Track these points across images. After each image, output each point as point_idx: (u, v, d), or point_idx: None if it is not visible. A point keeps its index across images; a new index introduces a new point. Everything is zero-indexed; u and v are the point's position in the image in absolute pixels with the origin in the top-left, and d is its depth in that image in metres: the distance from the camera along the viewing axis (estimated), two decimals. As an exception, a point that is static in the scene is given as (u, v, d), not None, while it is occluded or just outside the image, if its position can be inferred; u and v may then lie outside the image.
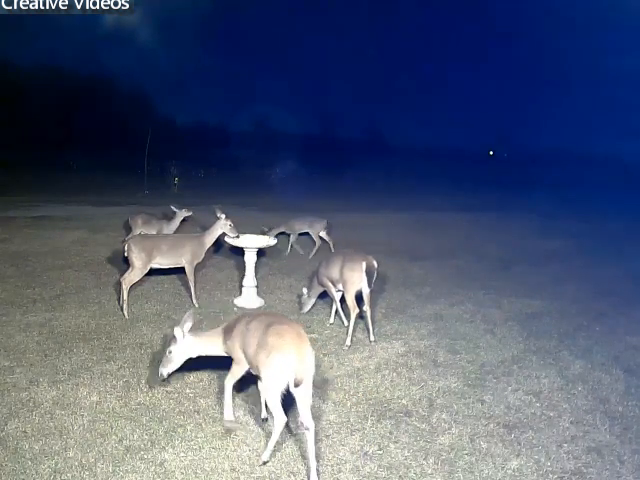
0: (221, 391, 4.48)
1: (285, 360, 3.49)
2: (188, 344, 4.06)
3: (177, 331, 4.01)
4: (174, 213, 8.41)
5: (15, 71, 34.50)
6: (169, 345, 4.07)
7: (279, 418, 3.59)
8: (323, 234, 9.11)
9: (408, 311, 6.72)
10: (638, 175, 30.74)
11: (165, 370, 4.07)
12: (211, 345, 4.12)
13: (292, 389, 3.52)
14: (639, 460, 3.86)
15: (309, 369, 3.53)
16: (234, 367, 4.00)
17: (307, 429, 3.51)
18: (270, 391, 3.58)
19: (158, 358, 5.02)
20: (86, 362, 4.95)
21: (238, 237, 6.57)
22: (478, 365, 5.27)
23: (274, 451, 3.70)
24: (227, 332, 4.03)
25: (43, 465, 3.51)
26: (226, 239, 6.72)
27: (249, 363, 3.87)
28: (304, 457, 3.72)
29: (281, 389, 3.53)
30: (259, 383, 4.02)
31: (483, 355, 5.51)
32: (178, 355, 4.07)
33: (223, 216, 6.46)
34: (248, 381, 4.74)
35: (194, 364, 4.89)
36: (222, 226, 6.49)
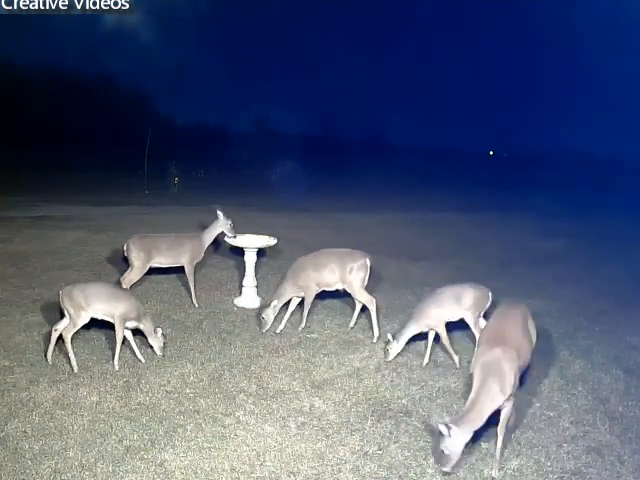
0: (222, 392, 4.49)
1: None
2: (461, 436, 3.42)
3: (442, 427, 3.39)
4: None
5: (15, 71, 34.47)
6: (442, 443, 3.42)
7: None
8: None
9: (408, 311, 6.66)
10: (638, 175, 30.72)
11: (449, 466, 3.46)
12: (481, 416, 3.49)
13: None
14: (639, 460, 3.87)
15: None
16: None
17: None
18: None
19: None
20: (86, 362, 4.95)
21: (235, 237, 6.57)
22: (478, 365, 5.27)
23: (278, 449, 3.70)
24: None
25: (43, 465, 3.51)
26: (226, 239, 6.72)
27: None
28: (304, 457, 3.73)
29: None
30: None
31: (483, 355, 5.50)
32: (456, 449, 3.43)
33: (222, 215, 6.46)
34: (250, 381, 4.75)
35: (193, 365, 4.90)
36: (222, 225, 6.49)
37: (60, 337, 4.89)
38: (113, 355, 4.92)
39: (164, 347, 5.09)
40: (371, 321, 5.87)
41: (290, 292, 5.92)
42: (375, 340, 5.75)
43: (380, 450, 3.87)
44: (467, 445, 3.52)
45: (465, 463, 3.74)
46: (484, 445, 3.95)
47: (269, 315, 5.80)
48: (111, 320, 4.90)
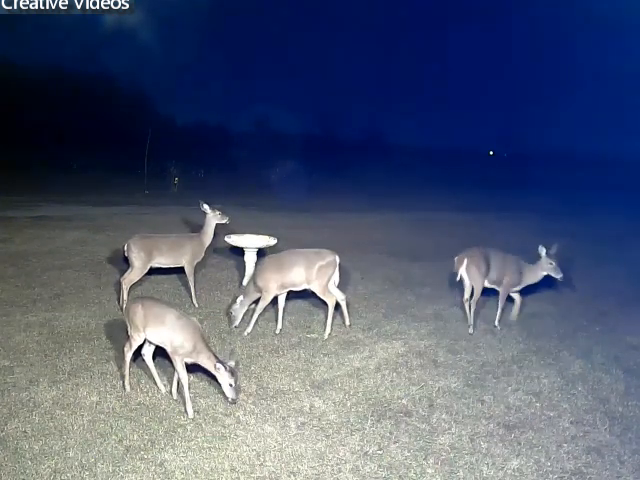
0: (222, 392, 4.48)
1: None
2: None
3: None
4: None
5: (15, 71, 34.43)
6: None
7: None
8: None
9: (408, 311, 6.72)
10: (638, 174, 30.70)
11: None
12: None
13: None
14: (639, 460, 3.87)
15: None
16: None
17: None
18: None
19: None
20: (86, 362, 4.95)
21: (229, 222, 6.57)
22: (478, 365, 5.28)
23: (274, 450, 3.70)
24: None
25: (43, 465, 3.51)
26: (226, 239, 6.72)
27: None
28: (304, 457, 3.73)
29: None
30: None
31: (483, 355, 5.52)
32: None
33: (208, 208, 6.43)
34: (250, 381, 4.75)
35: (193, 365, 4.88)
36: (213, 218, 6.46)
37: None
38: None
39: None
40: (326, 318, 5.85)
41: (253, 291, 5.82)
42: (326, 337, 5.74)
43: (380, 450, 3.87)
44: None
45: (465, 463, 3.75)
46: (484, 445, 3.95)
47: (237, 310, 5.81)
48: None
